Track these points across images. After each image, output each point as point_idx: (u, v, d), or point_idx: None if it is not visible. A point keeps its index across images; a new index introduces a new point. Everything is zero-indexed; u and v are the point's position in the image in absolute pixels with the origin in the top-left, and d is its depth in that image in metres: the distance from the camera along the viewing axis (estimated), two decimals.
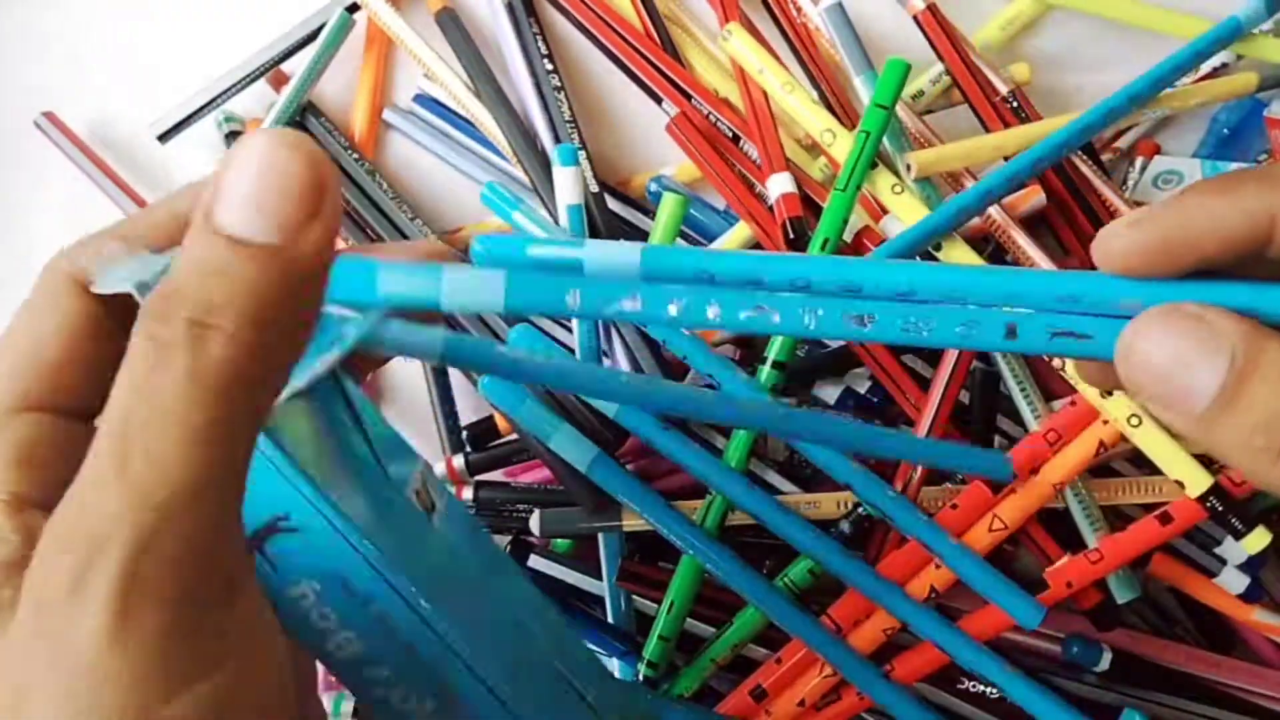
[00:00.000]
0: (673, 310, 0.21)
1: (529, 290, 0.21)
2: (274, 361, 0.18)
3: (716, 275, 0.22)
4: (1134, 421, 0.36)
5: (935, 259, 0.38)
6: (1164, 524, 0.36)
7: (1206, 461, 0.36)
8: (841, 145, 0.39)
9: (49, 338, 0.21)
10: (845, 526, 0.38)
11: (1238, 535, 0.35)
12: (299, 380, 0.20)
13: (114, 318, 0.21)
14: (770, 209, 0.40)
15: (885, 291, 0.22)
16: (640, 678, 0.38)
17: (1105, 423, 0.36)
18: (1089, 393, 0.36)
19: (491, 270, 0.21)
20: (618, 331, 0.40)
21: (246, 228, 0.17)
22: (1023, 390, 0.38)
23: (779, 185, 0.39)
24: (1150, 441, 0.36)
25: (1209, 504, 0.35)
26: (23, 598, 0.18)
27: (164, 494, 0.17)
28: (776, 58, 0.41)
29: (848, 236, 0.39)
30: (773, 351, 0.37)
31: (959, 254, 0.38)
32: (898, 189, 0.38)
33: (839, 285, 0.22)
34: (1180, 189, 0.21)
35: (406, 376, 0.46)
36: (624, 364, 0.40)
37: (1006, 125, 0.41)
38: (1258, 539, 0.35)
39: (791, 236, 0.39)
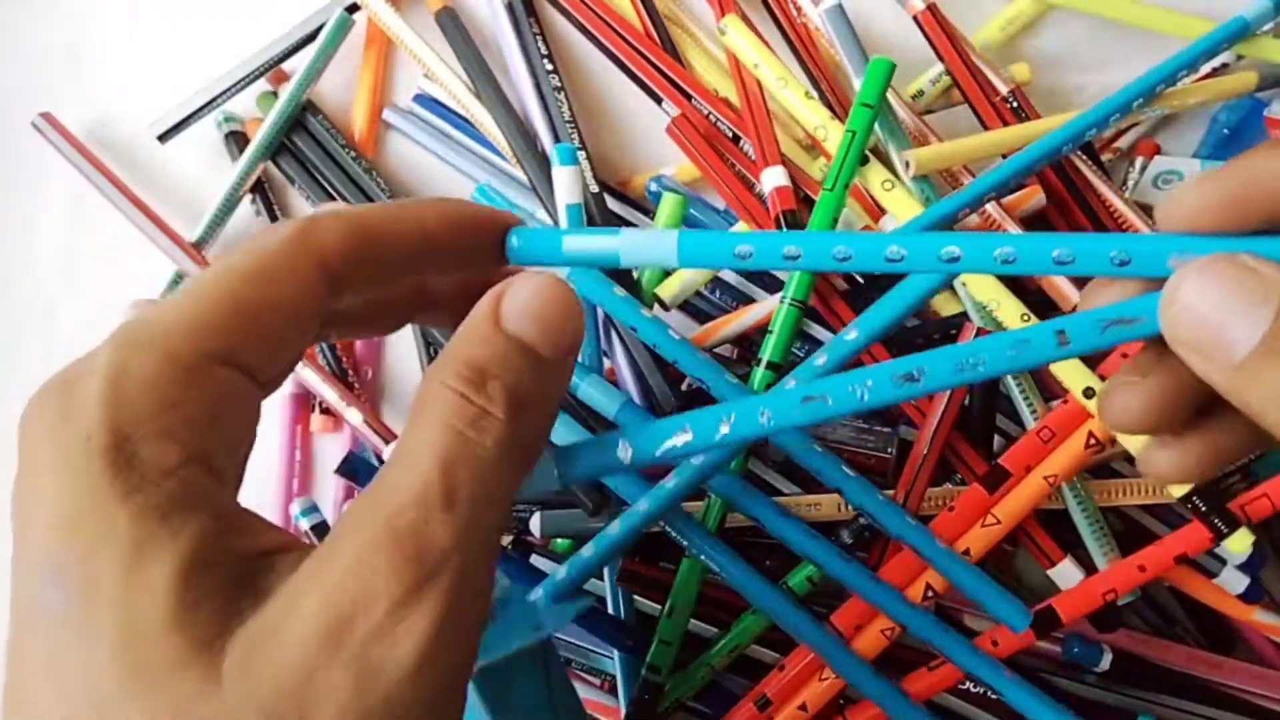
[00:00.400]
0: (724, 429, 0.22)
1: (581, 461, 0.23)
2: (541, 443, 0.21)
3: (754, 252, 0.23)
4: None
5: None
6: (1178, 562, 0.36)
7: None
8: (835, 141, 0.39)
9: (275, 303, 0.20)
10: (846, 536, 0.38)
11: (1221, 536, 0.35)
12: (503, 651, 0.23)
13: (335, 306, 0.21)
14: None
15: (927, 257, 0.22)
16: (643, 680, 0.38)
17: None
18: (1076, 390, 0.36)
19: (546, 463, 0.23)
20: (618, 333, 0.40)
21: (540, 342, 0.21)
22: (1021, 390, 0.38)
23: (772, 179, 0.39)
24: (1136, 441, 0.36)
25: (1191, 504, 0.35)
26: (322, 598, 0.17)
27: (477, 541, 0.18)
28: (773, 53, 0.41)
29: None
30: (766, 352, 0.37)
31: None
32: (889, 185, 0.38)
33: (877, 255, 0.22)
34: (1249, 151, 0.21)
35: (406, 375, 0.46)
36: (623, 365, 0.40)
37: (1006, 125, 0.41)
38: (1241, 540, 0.35)
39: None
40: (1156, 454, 0.23)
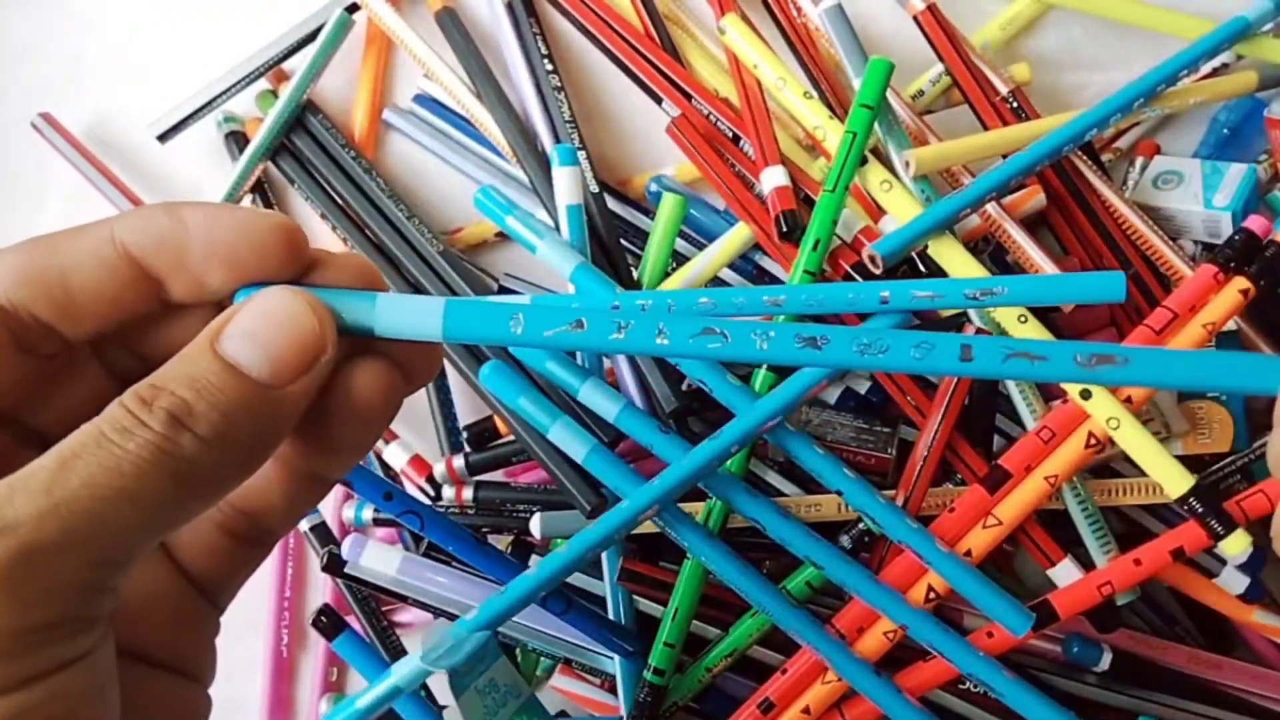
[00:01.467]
0: (619, 336, 0.21)
1: (469, 318, 0.22)
2: (222, 477, 0.20)
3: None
4: (1113, 424, 0.35)
5: (928, 257, 0.38)
6: (1176, 559, 0.36)
7: (1189, 463, 0.36)
8: (834, 141, 0.39)
9: None
10: (845, 541, 0.38)
11: (1217, 538, 0.35)
12: None
13: (14, 336, 0.21)
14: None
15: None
16: (647, 684, 0.38)
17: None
18: (1072, 391, 0.36)
19: (429, 299, 0.22)
20: None
21: (247, 359, 0.20)
22: (1021, 390, 0.38)
23: (772, 179, 0.39)
24: (1132, 442, 0.36)
25: (1188, 505, 0.35)
26: None
27: (72, 529, 0.17)
28: (773, 52, 0.41)
29: (847, 237, 0.39)
30: None
31: (949, 252, 0.38)
32: (887, 185, 0.38)
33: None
34: None
35: None
36: (624, 366, 0.40)
37: (1006, 125, 0.41)
38: (1237, 541, 0.35)
39: (785, 230, 0.39)
40: None
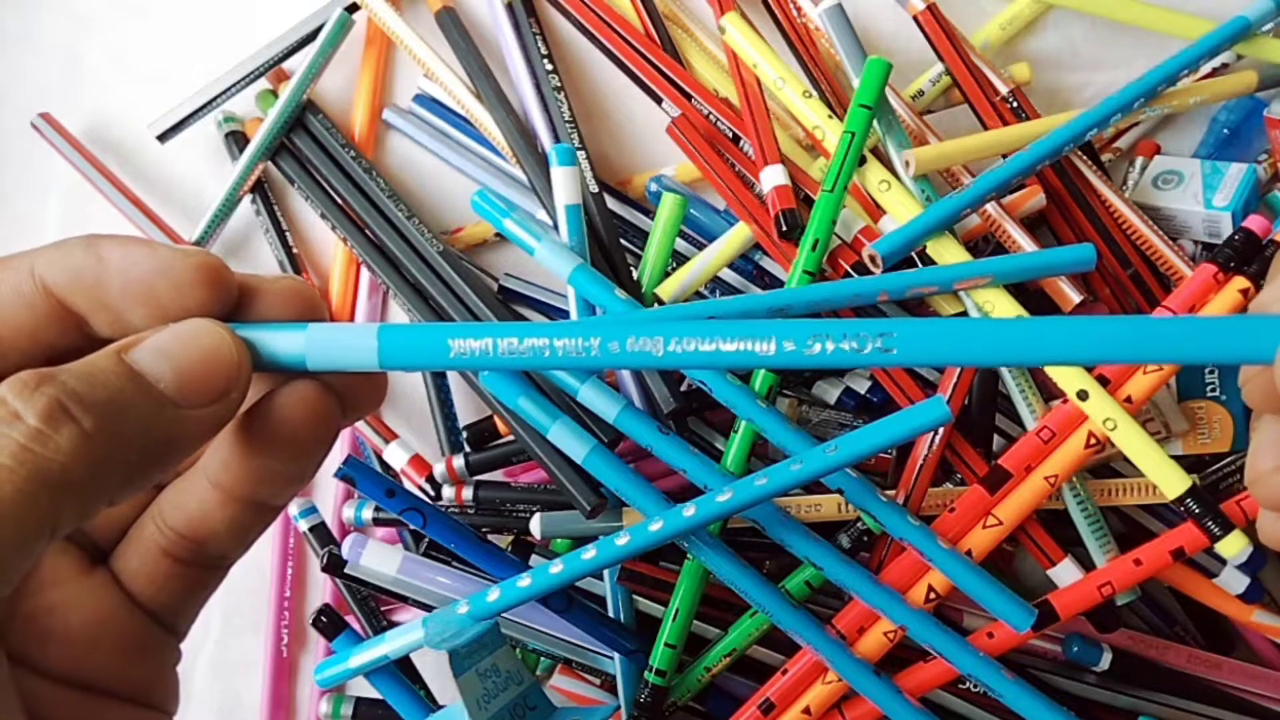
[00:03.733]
0: (559, 346, 0.21)
1: (406, 342, 0.21)
2: (100, 484, 0.18)
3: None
4: (1110, 425, 0.35)
5: (929, 259, 0.38)
6: (1176, 559, 0.36)
7: (1189, 464, 0.36)
8: (834, 140, 0.39)
9: None
10: (845, 541, 0.38)
11: (1214, 538, 0.35)
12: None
13: None
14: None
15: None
16: (648, 685, 0.38)
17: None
18: (1069, 392, 0.36)
19: (363, 326, 0.21)
20: None
21: (154, 370, 0.19)
22: (1021, 390, 0.38)
23: (772, 178, 0.39)
24: (1129, 443, 0.36)
25: (1185, 506, 0.35)
26: None
27: None
28: (773, 51, 0.41)
29: (847, 237, 0.39)
30: None
31: (949, 252, 0.38)
32: (885, 185, 0.38)
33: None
34: None
35: (406, 376, 0.46)
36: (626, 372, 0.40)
37: (1006, 125, 0.41)
38: (1235, 542, 0.35)
39: (784, 229, 0.39)
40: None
